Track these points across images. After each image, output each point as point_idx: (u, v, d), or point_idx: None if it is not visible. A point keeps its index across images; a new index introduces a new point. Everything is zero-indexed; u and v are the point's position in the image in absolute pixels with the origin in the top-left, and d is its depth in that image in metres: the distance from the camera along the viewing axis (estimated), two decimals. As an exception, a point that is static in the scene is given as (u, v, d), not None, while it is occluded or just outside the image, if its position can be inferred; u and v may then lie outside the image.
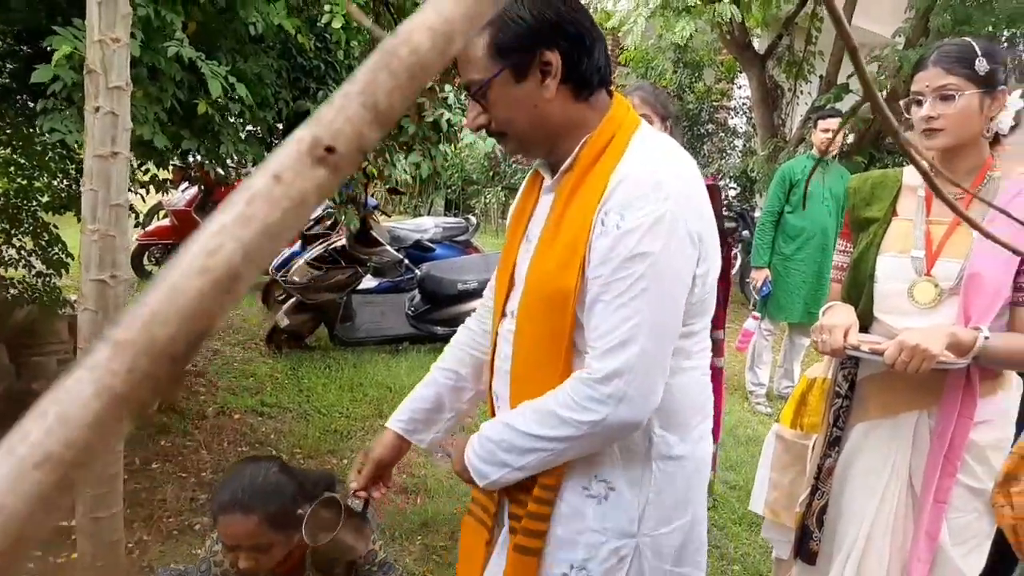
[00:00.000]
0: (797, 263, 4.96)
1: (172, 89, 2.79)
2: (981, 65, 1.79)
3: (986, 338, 1.72)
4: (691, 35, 7.57)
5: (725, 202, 10.02)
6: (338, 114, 0.33)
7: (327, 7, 3.13)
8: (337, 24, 3.06)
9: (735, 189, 10.48)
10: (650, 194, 1.26)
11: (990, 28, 6.82)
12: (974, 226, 0.61)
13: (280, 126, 4.22)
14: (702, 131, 10.95)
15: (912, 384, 1.84)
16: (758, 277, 5.06)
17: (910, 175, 2.01)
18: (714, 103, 10.97)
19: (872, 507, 1.92)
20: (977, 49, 1.80)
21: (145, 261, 7.15)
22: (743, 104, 10.70)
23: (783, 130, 8.74)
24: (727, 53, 9.41)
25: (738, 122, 11.09)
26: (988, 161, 1.87)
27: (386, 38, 0.34)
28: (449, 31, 0.34)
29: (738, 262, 8.79)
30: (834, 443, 2.00)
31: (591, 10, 8.74)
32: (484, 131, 1.38)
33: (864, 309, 1.95)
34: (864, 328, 1.94)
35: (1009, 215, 0.62)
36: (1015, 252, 0.76)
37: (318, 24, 3.30)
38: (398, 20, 3.69)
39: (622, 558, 1.41)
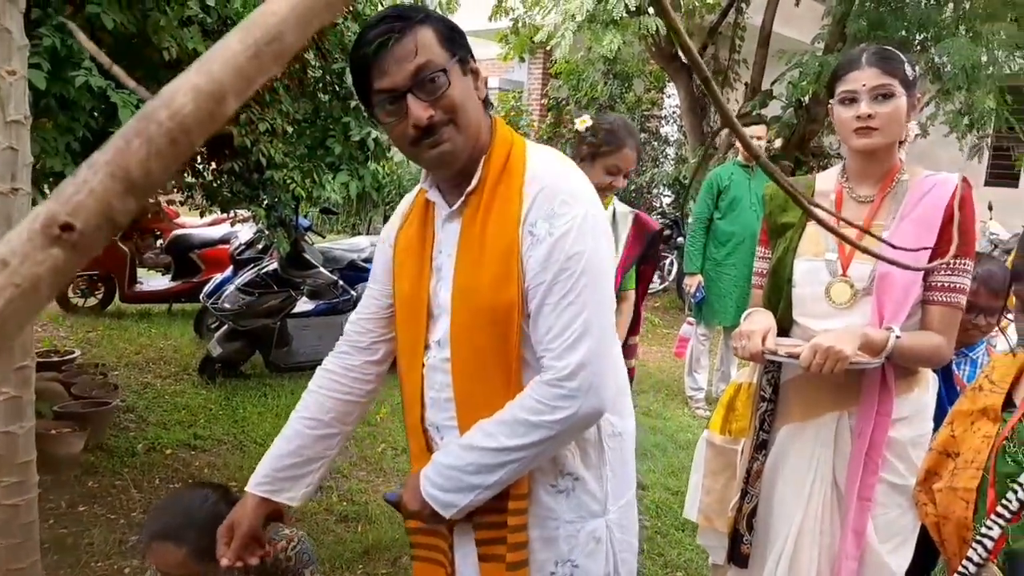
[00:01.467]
0: (728, 267, 5.05)
1: (84, 119, 2.71)
2: (909, 70, 1.86)
3: (897, 337, 1.76)
4: (619, 47, 7.68)
5: (660, 210, 10.17)
6: (80, 188, 0.30)
7: (242, 30, 3.07)
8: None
9: (669, 196, 10.65)
10: (569, 200, 1.35)
11: (903, 32, 7.08)
12: (848, 241, 0.62)
13: (203, 150, 4.14)
14: (635, 141, 11.09)
15: (831, 385, 1.87)
16: (692, 283, 5.14)
17: (822, 181, 2.06)
18: (645, 112, 11.14)
19: (800, 508, 1.95)
20: (903, 56, 1.88)
21: (71, 293, 6.91)
22: (673, 113, 10.88)
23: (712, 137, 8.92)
24: (655, 64, 9.57)
25: (669, 130, 11.28)
26: (896, 166, 1.93)
27: (149, 101, 0.32)
28: (218, 91, 0.32)
29: (675, 268, 8.92)
30: (761, 446, 2.03)
31: (519, 24, 8.81)
32: (424, 132, 1.33)
33: (784, 313, 1.98)
34: (785, 332, 1.98)
35: (887, 243, 0.63)
36: (892, 263, 0.78)
37: (235, 47, 3.23)
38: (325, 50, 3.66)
39: (598, 540, 1.46)
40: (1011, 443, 1.21)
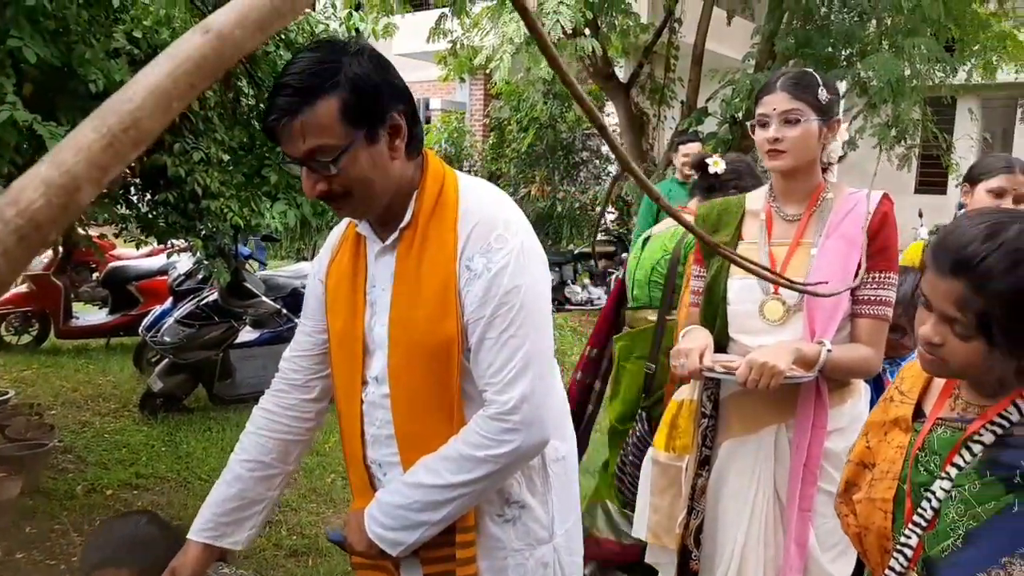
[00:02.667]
0: (671, 283, 5.12)
1: (9, 155, 2.64)
2: (823, 94, 1.93)
3: (828, 351, 1.82)
4: (557, 68, 7.75)
5: (604, 227, 10.28)
6: (-82, 296, 0.30)
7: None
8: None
9: (613, 213, 10.77)
10: (504, 233, 1.35)
11: (829, 49, 7.31)
12: (745, 266, 0.64)
13: (137, 181, 4.05)
14: (577, 159, 11.24)
15: (768, 400, 1.91)
16: (636, 299, 5.19)
17: (752, 201, 2.11)
18: (586, 131, 11.28)
19: (744, 521, 1.98)
20: (819, 80, 1.95)
21: (3, 331, 6.69)
22: (612, 130, 10.99)
23: (651, 154, 9.06)
24: (593, 83, 9.70)
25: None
26: (821, 185, 2.00)
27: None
28: (70, 183, 0.32)
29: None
30: (704, 462, 2.06)
31: (458, 46, 8.85)
32: (322, 197, 1.34)
33: (720, 331, 2.02)
34: (722, 348, 2.02)
35: (808, 284, 0.65)
36: (797, 290, 0.80)
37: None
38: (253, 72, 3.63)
39: (546, 564, 1.47)
40: (923, 453, 1.25)
